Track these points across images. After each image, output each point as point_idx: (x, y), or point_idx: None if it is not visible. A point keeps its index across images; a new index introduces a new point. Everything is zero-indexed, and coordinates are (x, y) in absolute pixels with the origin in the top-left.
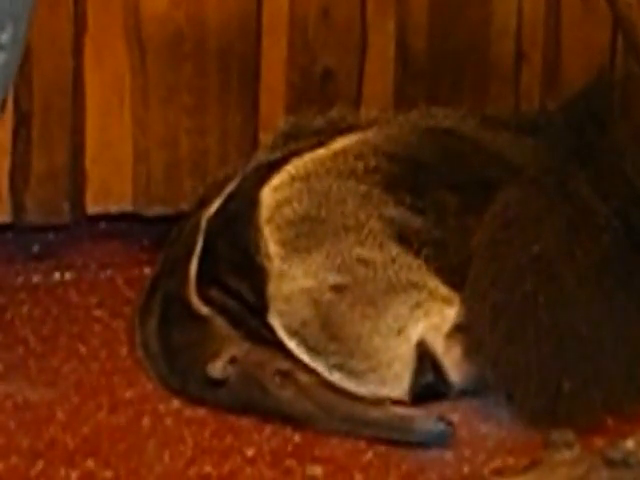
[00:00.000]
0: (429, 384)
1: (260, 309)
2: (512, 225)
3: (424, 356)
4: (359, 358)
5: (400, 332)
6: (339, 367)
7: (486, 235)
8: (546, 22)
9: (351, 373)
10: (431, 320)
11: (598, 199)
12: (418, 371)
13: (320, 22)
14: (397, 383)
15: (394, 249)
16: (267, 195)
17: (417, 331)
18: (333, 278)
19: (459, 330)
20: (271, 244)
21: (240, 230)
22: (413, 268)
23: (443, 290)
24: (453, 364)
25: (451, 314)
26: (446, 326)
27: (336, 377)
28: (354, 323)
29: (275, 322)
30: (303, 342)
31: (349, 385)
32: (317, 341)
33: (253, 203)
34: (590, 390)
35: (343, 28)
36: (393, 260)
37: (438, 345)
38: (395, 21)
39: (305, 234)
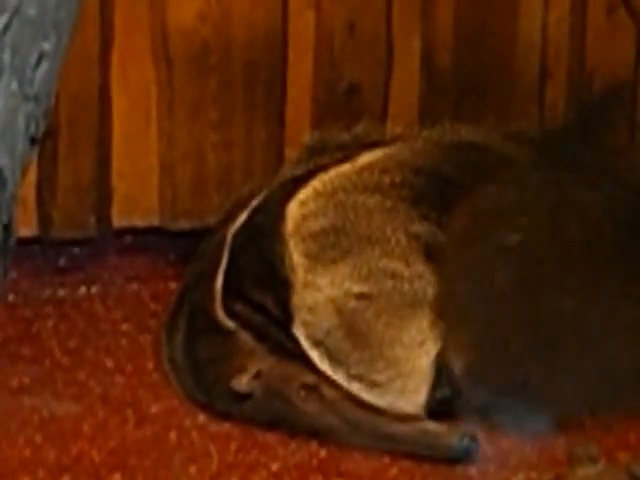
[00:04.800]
0: (445, 399)
1: (285, 321)
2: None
3: (442, 370)
4: (380, 367)
5: (422, 344)
6: (359, 378)
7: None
8: (570, 38)
9: (370, 384)
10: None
11: (583, 187)
12: (435, 385)
13: (346, 37)
14: (414, 395)
15: (421, 264)
16: (293, 209)
17: (437, 346)
18: (359, 287)
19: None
20: (296, 256)
21: (265, 244)
22: None
23: None
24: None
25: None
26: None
27: (355, 388)
28: (377, 331)
29: (299, 333)
30: (326, 352)
31: (368, 396)
32: (340, 350)
33: (279, 217)
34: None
35: (369, 44)
36: (420, 276)
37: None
38: (420, 37)
39: (330, 246)
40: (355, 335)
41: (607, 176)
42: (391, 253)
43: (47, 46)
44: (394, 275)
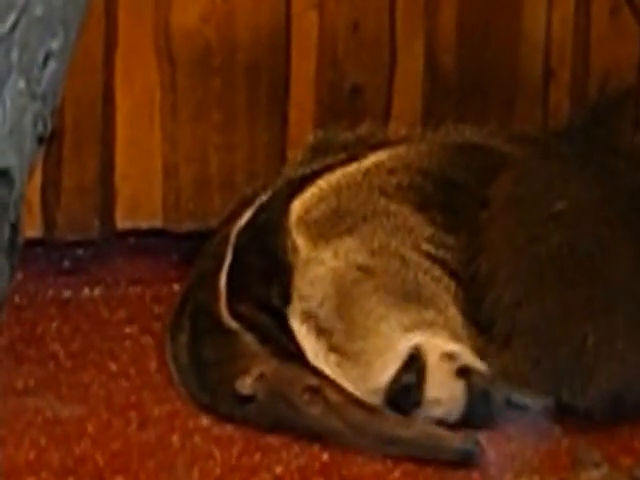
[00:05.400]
0: (407, 386)
1: (285, 307)
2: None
3: (414, 360)
4: (357, 337)
5: (406, 330)
6: (337, 347)
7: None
8: (574, 39)
9: (345, 354)
10: (435, 339)
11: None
12: (404, 369)
13: (349, 38)
14: (381, 372)
15: (430, 260)
16: (297, 205)
17: (419, 339)
18: (363, 259)
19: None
20: (299, 239)
21: (269, 238)
22: (442, 287)
23: (458, 323)
24: (436, 380)
25: (455, 347)
26: (446, 350)
27: (332, 360)
28: (369, 306)
29: (294, 310)
30: (315, 324)
31: (342, 368)
32: (328, 319)
33: (283, 213)
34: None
35: (372, 45)
36: (427, 270)
37: (433, 357)
38: (424, 38)
39: (335, 224)
40: (346, 305)
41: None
42: (402, 238)
43: (55, 45)
44: (403, 259)
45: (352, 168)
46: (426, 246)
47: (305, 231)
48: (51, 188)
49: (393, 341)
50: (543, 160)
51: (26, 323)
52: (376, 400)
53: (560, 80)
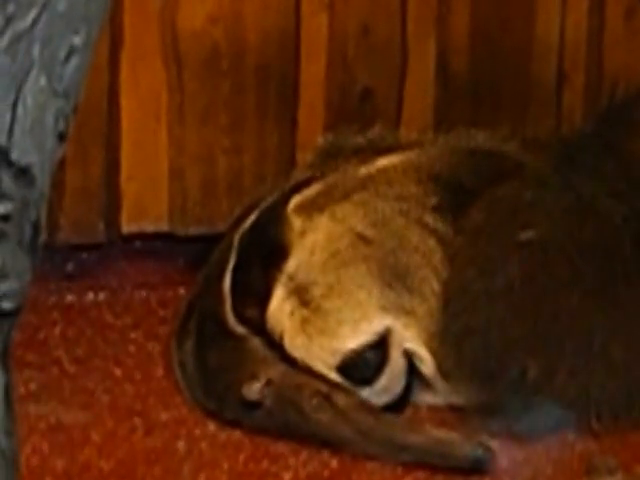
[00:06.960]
0: (367, 362)
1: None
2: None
3: (383, 342)
4: (336, 296)
5: (383, 310)
6: (309, 302)
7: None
8: (588, 43)
9: (317, 309)
10: (405, 331)
11: (603, 194)
12: (371, 345)
13: (360, 41)
14: (350, 336)
15: (438, 257)
16: (297, 196)
17: (392, 325)
18: (363, 227)
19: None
20: (294, 219)
21: (268, 233)
22: (434, 273)
23: (436, 316)
24: (393, 371)
25: (417, 348)
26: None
27: (297, 314)
28: (358, 271)
29: (282, 278)
30: (294, 284)
31: (306, 322)
32: (310, 274)
33: (283, 207)
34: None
35: (383, 47)
36: (424, 254)
37: (397, 349)
38: (435, 41)
39: (330, 193)
40: (335, 263)
41: (627, 184)
42: (407, 208)
43: (77, 41)
44: (402, 238)
45: (361, 171)
46: (430, 218)
47: (301, 211)
48: (54, 190)
49: (369, 314)
50: (518, 185)
51: (29, 328)
52: (331, 360)
53: (574, 84)
